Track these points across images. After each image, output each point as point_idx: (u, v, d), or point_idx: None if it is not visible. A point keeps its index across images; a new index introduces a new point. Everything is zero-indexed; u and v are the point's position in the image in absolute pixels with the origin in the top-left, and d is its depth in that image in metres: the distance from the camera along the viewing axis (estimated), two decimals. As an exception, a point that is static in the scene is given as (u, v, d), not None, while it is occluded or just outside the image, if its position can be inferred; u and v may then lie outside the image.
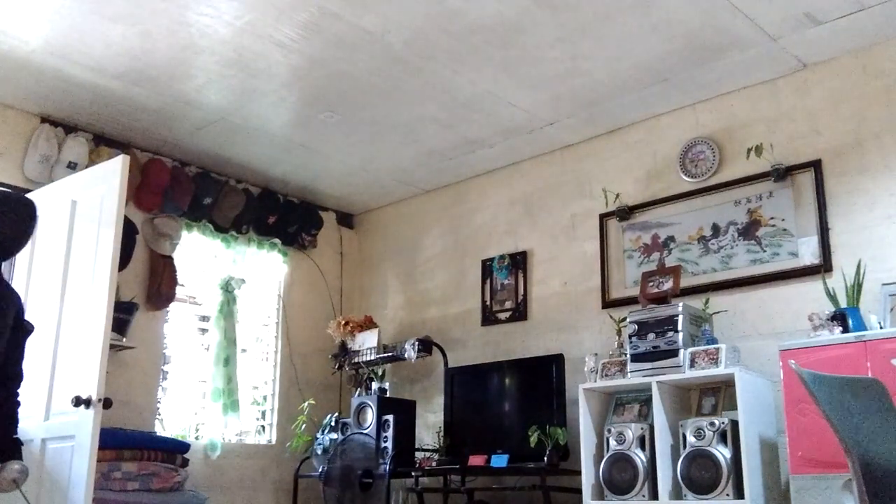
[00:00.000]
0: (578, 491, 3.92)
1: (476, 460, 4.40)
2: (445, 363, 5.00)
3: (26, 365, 3.08)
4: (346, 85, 4.24)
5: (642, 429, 3.79)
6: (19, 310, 2.99)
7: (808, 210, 3.91)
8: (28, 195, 4.41)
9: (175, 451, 4.39)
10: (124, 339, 4.48)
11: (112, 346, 3.92)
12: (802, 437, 3.20)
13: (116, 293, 3.89)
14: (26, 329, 3.02)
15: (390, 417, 4.79)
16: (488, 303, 5.18)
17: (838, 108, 3.92)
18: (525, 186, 5.18)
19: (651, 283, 4.04)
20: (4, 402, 2.96)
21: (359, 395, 5.19)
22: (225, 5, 3.55)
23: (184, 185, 5.04)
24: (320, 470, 4.81)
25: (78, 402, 3.49)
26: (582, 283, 4.73)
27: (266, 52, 3.91)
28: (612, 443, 3.83)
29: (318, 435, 5.03)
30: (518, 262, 5.08)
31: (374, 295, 5.95)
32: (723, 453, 3.46)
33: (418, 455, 4.86)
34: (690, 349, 3.69)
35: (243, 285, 5.31)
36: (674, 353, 3.73)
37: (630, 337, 3.90)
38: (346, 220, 6.18)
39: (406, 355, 5.04)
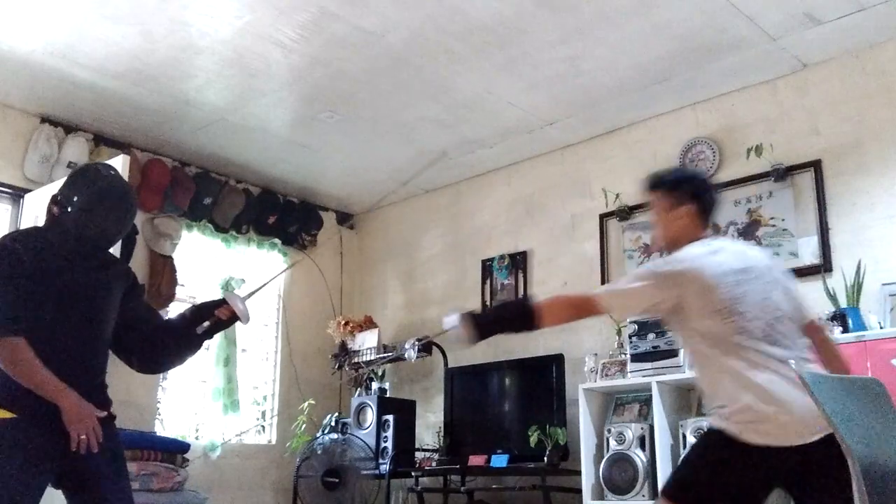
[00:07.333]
0: (578, 491, 3.93)
1: (476, 460, 4.40)
2: (445, 363, 5.00)
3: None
4: (346, 85, 4.24)
5: (642, 429, 3.79)
6: (132, 277, 2.70)
7: (807, 210, 3.91)
8: (28, 195, 4.43)
9: (175, 451, 4.39)
10: (124, 339, 4.47)
11: (112, 346, 3.91)
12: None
13: (116, 293, 3.88)
14: (142, 288, 2.82)
15: (390, 417, 4.79)
16: (488, 303, 5.18)
17: (838, 108, 3.92)
18: (525, 186, 5.17)
19: (651, 283, 4.04)
20: (165, 321, 2.83)
21: (359, 395, 5.19)
22: (225, 5, 3.55)
23: (184, 185, 5.04)
24: (296, 471, 4.80)
25: (78, 402, 3.48)
26: (582, 283, 4.71)
27: (266, 52, 3.91)
28: (612, 443, 3.84)
29: (318, 435, 5.03)
30: (518, 262, 5.08)
31: (374, 295, 5.94)
32: (723, 453, 3.46)
33: (418, 455, 4.86)
34: (690, 349, 3.69)
35: (243, 285, 5.30)
36: (674, 353, 3.74)
37: (630, 337, 3.91)
38: (346, 220, 6.18)
39: (406, 355, 5.02)
